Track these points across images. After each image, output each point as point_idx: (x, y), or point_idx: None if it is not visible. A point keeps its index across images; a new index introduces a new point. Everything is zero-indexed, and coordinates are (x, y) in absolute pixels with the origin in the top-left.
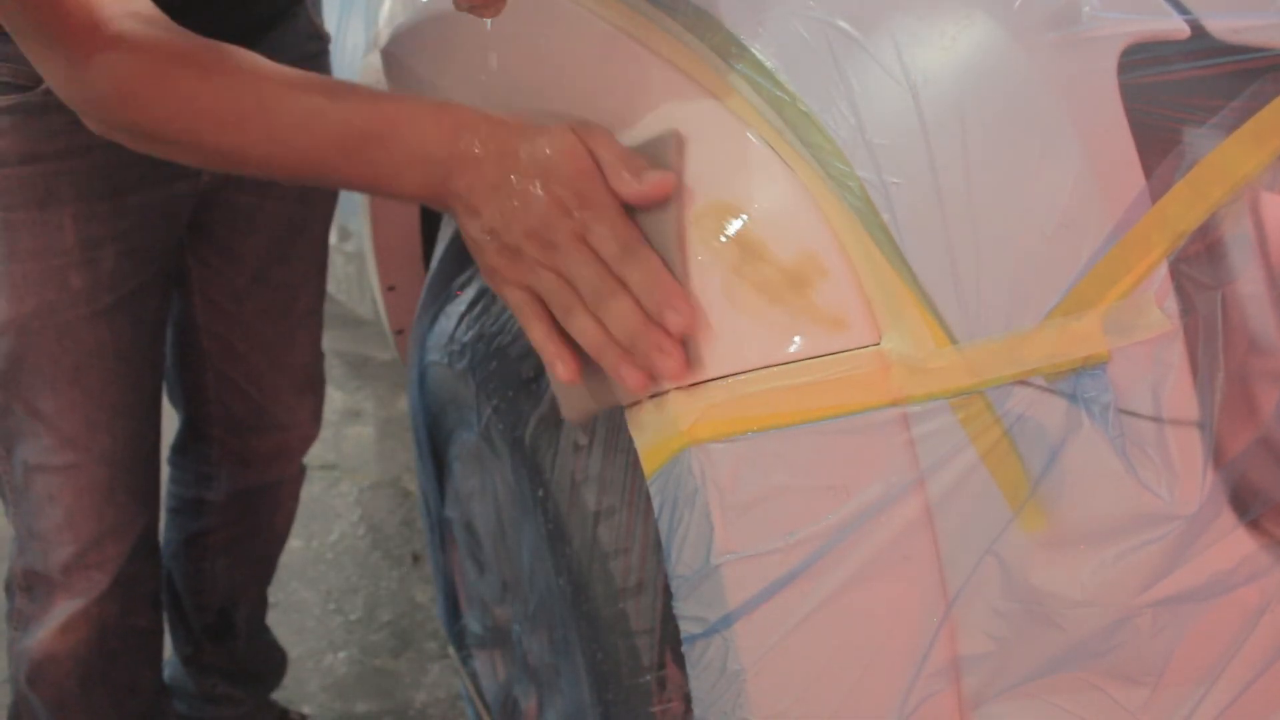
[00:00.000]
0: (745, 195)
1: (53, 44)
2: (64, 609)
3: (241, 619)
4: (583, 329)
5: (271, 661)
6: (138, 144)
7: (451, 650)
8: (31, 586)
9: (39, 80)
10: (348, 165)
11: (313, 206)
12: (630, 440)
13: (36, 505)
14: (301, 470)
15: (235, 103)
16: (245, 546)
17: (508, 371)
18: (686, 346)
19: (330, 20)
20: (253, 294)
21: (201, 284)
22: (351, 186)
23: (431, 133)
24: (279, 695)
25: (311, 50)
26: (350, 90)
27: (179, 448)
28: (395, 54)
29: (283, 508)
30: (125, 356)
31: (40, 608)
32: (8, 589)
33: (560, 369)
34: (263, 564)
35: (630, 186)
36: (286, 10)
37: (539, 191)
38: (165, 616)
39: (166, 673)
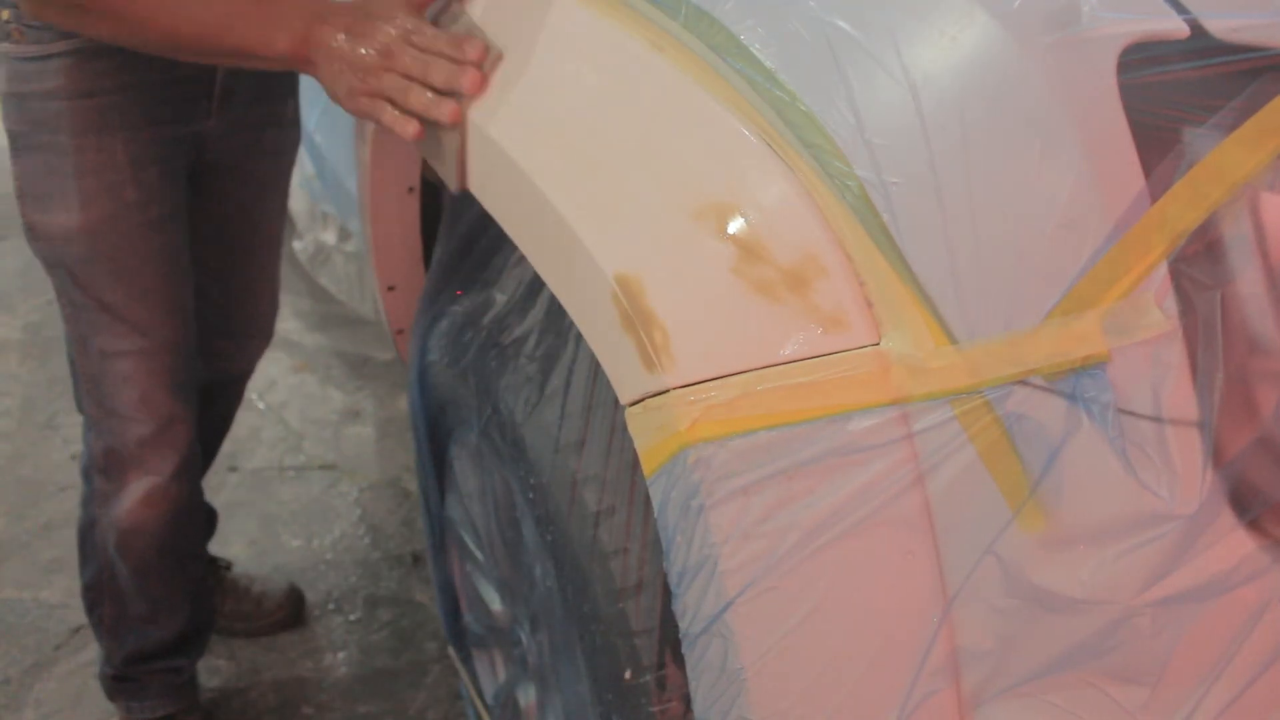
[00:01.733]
0: (745, 195)
1: None
2: (140, 485)
3: None
4: (418, 99)
5: (206, 519)
6: (70, 21)
7: (451, 650)
8: (108, 467)
9: None
10: (230, 27)
11: (282, 157)
12: (630, 440)
13: (114, 387)
14: (254, 364)
15: None
16: (201, 431)
17: (508, 371)
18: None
19: None
20: (229, 224)
21: (190, 216)
22: (233, 47)
23: (291, 4)
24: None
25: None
26: None
27: None
28: None
29: (235, 400)
30: (173, 262)
31: (117, 485)
32: (86, 475)
33: (411, 129)
34: (211, 445)
35: None
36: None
37: (376, 19)
38: None
39: None
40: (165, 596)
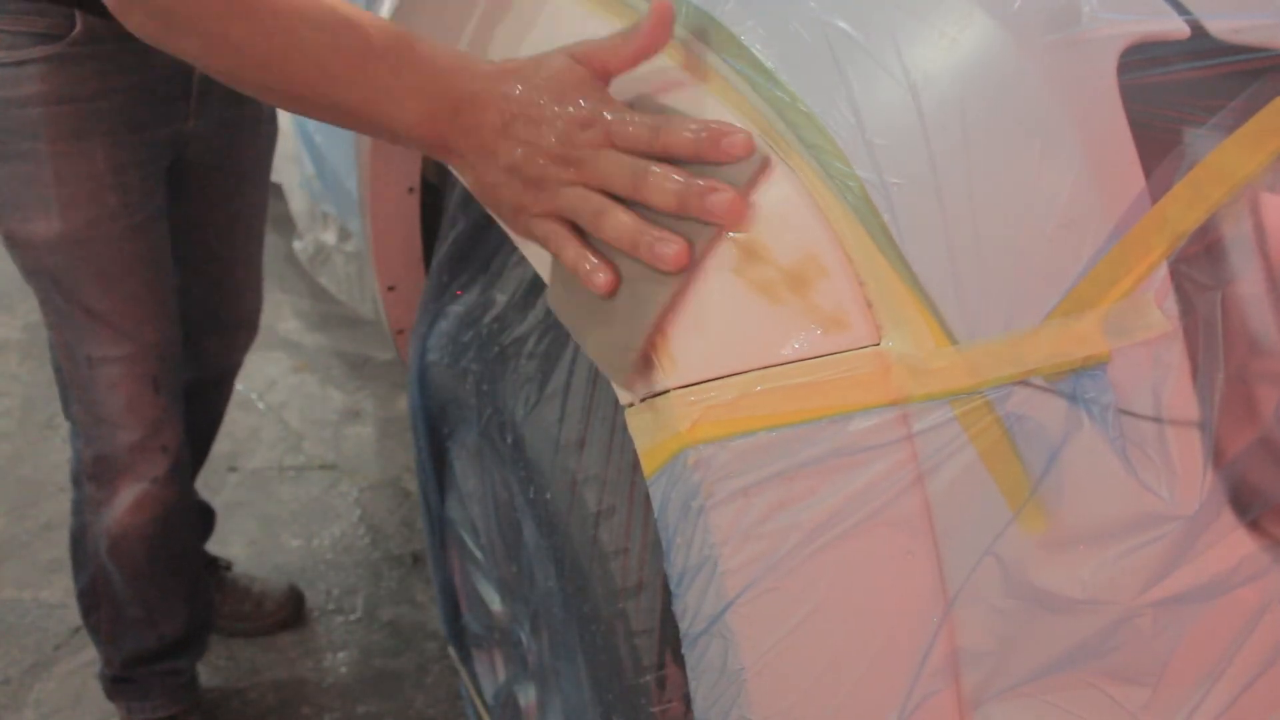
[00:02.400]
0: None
1: None
2: (131, 491)
3: None
4: (617, 223)
5: (203, 517)
6: (154, 27)
7: (451, 650)
8: (98, 474)
9: (68, 30)
10: (352, 80)
11: (261, 150)
12: (630, 440)
13: (102, 394)
14: (240, 361)
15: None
16: (194, 428)
17: (508, 371)
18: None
19: None
20: (211, 220)
21: (170, 213)
22: (349, 106)
23: (434, 65)
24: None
25: None
26: (371, 14)
27: None
28: None
29: (225, 395)
30: (157, 265)
31: (109, 492)
32: (76, 482)
33: (601, 279)
34: (204, 442)
35: (628, 46)
36: None
37: (555, 111)
38: None
39: None
40: (160, 601)
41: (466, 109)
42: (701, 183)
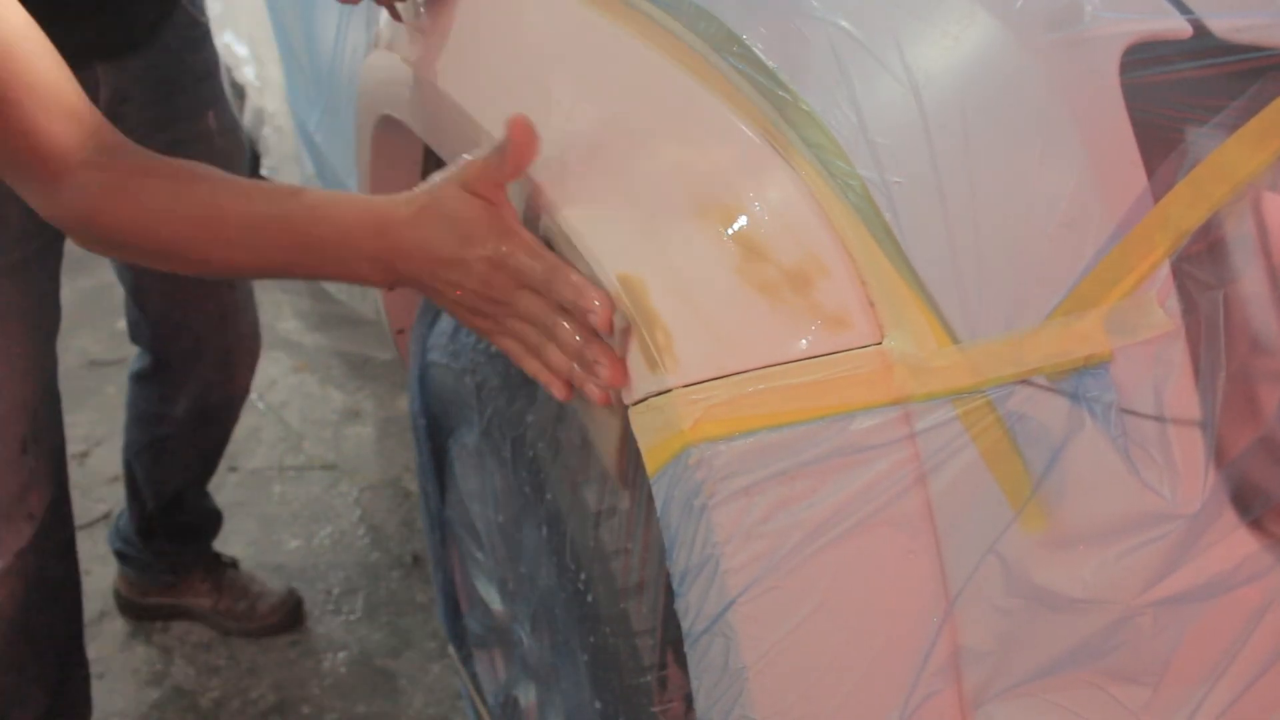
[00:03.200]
0: (747, 195)
1: (28, 175)
2: None
3: (190, 498)
4: (551, 362)
5: (209, 519)
6: (119, 254)
7: (451, 650)
8: None
9: None
10: (305, 267)
11: (221, 164)
12: (632, 439)
13: None
14: (248, 385)
15: (195, 213)
16: (201, 446)
17: (508, 372)
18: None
19: (330, 22)
20: None
21: None
22: (319, 278)
23: (361, 236)
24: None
25: (194, 35)
26: (290, 198)
27: (142, 375)
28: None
29: (234, 414)
30: (34, 312)
31: None
32: None
33: (557, 390)
34: (214, 455)
35: (505, 163)
36: (164, 12)
37: (467, 255)
38: (126, 496)
39: (119, 536)
40: (17, 688)
41: (400, 262)
42: (590, 354)
